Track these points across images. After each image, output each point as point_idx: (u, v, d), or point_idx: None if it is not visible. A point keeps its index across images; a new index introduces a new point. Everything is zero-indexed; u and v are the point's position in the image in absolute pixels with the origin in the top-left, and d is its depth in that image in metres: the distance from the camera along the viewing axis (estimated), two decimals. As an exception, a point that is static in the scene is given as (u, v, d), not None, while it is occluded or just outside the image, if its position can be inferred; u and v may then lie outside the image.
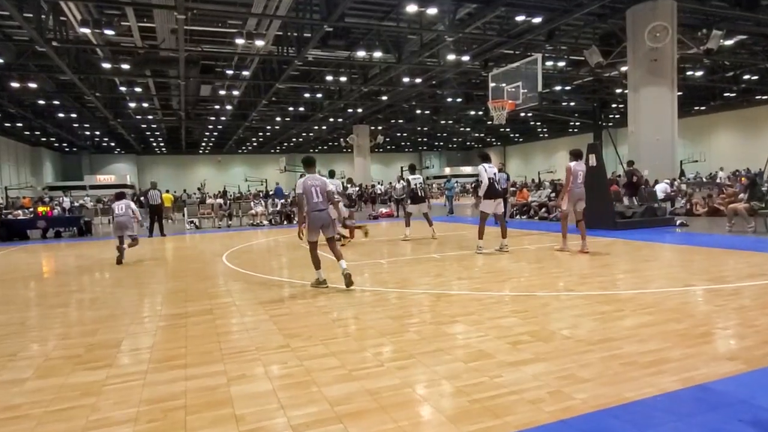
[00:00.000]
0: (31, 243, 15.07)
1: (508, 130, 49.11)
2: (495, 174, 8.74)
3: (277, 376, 3.19)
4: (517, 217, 16.52)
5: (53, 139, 44.25)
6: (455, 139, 58.40)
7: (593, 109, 35.09)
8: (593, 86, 30.25)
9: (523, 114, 33.73)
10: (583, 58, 20.94)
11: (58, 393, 3.05)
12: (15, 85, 23.25)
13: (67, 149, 51.62)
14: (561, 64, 23.94)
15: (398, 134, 50.35)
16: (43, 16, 15.43)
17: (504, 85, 12.23)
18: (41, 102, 28.70)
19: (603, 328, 3.99)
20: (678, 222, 12.12)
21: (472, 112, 37.25)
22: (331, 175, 11.95)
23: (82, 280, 7.69)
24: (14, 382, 3.28)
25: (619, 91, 29.03)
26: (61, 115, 32.66)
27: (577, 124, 43.64)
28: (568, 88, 29.54)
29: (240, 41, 17.19)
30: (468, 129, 47.62)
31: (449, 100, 32.00)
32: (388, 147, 59.22)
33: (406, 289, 5.84)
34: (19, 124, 35.22)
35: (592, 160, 11.77)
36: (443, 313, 4.65)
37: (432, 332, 4.05)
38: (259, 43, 17.32)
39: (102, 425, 2.60)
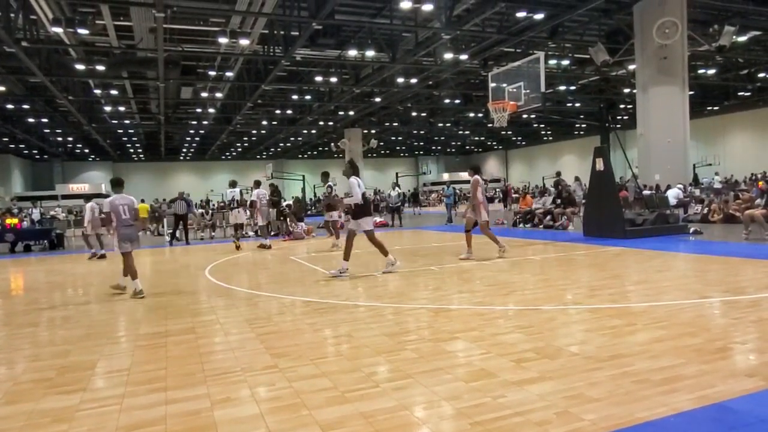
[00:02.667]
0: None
1: (509, 133, 49.42)
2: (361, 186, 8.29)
3: (265, 399, 3.18)
4: (520, 225, 16.59)
5: (22, 145, 43.99)
6: (453, 143, 58.69)
7: (600, 110, 35.43)
8: (599, 86, 30.56)
9: (525, 116, 33.83)
10: (588, 57, 21.20)
11: (27, 420, 3.02)
12: (-19, 88, 23.19)
13: (37, 156, 51.36)
14: (565, 62, 24.19)
15: (393, 138, 50.53)
16: (11, 15, 15.44)
17: (505, 85, 12.35)
18: (9, 106, 28.60)
19: (613, 343, 4.01)
20: (691, 229, 12.21)
21: (472, 114, 37.49)
22: (257, 185, 14.61)
23: (54, 297, 7.64)
24: (-21, 408, 3.25)
25: (627, 90, 29.35)
26: (30, 120, 32.58)
27: (583, 126, 44.03)
28: (572, 88, 29.82)
29: (223, 40, 17.25)
30: (467, 132, 47.89)
31: (447, 101, 32.21)
32: (383, 152, 59.42)
33: (403, 304, 5.84)
34: (-14, 130, 35.06)
35: (600, 165, 11.87)
36: (442, 330, 4.65)
37: (431, 350, 4.05)
38: (244, 42, 17.40)
39: (75, 454, 2.58)
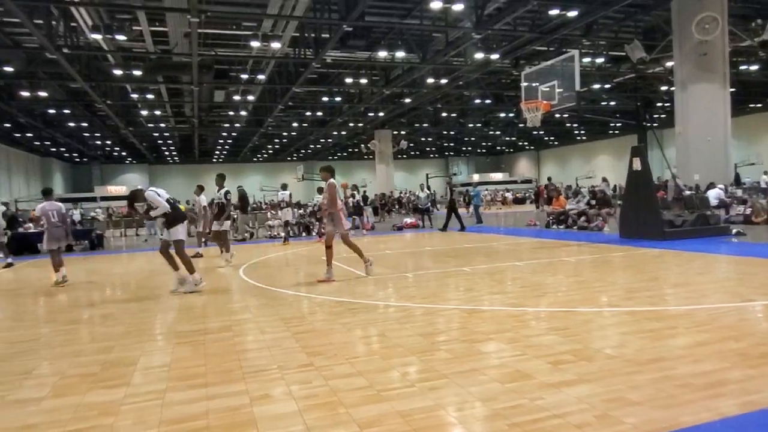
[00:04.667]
0: (41, 257, 15.54)
1: (542, 133, 48.73)
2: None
3: (302, 397, 3.23)
4: (554, 226, 16.35)
5: (63, 149, 45.75)
6: (484, 144, 58.26)
7: (636, 108, 34.60)
8: (635, 84, 29.86)
9: (558, 115, 33.35)
10: (624, 54, 20.75)
11: (75, 412, 3.15)
12: (25, 94, 24.18)
13: (77, 160, 53.29)
14: (600, 60, 23.73)
15: (423, 139, 50.46)
16: (53, 23, 16.07)
17: (538, 84, 12.20)
18: (51, 111, 29.73)
19: (653, 347, 3.93)
20: (734, 231, 11.83)
21: (502, 114, 37.16)
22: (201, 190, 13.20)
23: (94, 295, 7.91)
24: (31, 401, 3.40)
25: (664, 88, 28.56)
26: (71, 124, 33.79)
27: (618, 125, 43.09)
28: (607, 86, 29.22)
29: (255, 44, 17.59)
30: (498, 132, 47.46)
31: (477, 101, 31.99)
32: (412, 153, 59.42)
33: (435, 305, 5.84)
34: (29, 135, 36.54)
35: (637, 164, 11.62)
36: (476, 331, 4.64)
37: (465, 351, 4.05)
38: (275, 45, 17.68)
39: (122, 446, 2.68)
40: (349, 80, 25.08)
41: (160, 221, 7.85)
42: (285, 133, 42.60)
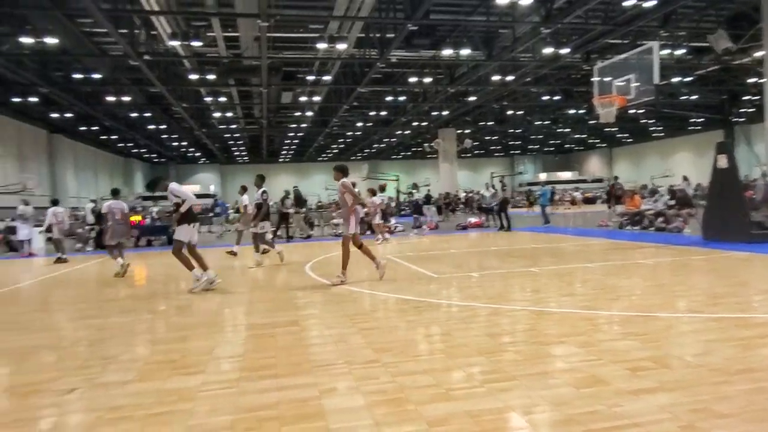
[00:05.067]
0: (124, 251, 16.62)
1: (615, 129, 46.62)
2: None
3: (370, 392, 3.26)
4: (628, 227, 15.60)
5: (144, 150, 48.75)
6: (552, 142, 56.47)
7: (721, 102, 32.38)
8: (719, 76, 27.94)
9: (633, 111, 31.89)
10: (706, 45, 19.47)
11: (157, 397, 3.34)
12: (110, 99, 25.95)
13: (155, 160, 56.61)
14: (679, 52, 22.36)
15: (488, 138, 49.64)
16: (136, 31, 17.13)
17: (612, 78, 11.66)
18: (133, 114, 31.71)
19: (744, 356, 3.65)
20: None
21: (572, 111, 35.89)
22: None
23: (170, 288, 8.35)
24: (117, 383, 3.63)
25: (752, 80, 26.54)
26: (151, 126, 35.90)
27: (700, 120, 40.48)
28: (688, 79, 27.49)
29: (322, 45, 17.93)
30: (567, 130, 45.89)
31: (545, 98, 31.07)
32: (477, 152, 58.59)
33: (502, 305, 5.72)
34: (114, 137, 39.20)
35: (723, 162, 10.89)
36: (546, 333, 4.50)
37: (534, 353, 3.94)
38: (341, 46, 17.94)
39: (200, 431, 2.81)
40: (413, 79, 25.05)
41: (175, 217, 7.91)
42: (349, 133, 43.22)
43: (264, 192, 11.04)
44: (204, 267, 7.63)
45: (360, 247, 7.85)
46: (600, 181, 52.41)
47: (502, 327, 4.81)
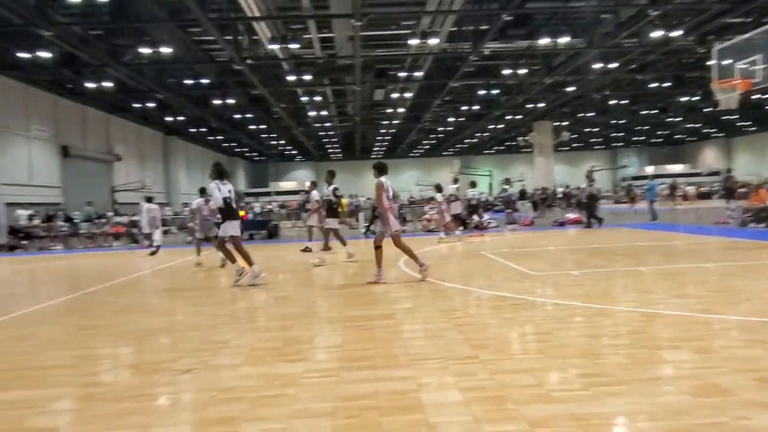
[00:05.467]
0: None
1: (735, 117, 42.40)
2: (230, 191, 8.01)
3: (467, 388, 3.22)
4: (751, 225, 14.14)
5: (246, 149, 51.76)
6: (660, 132, 52.43)
7: None
8: None
9: (756, 96, 28.77)
10: None
11: (265, 381, 3.53)
12: (216, 102, 27.81)
13: (256, 158, 59.94)
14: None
15: (587, 130, 47.22)
16: (239, 37, 18.21)
17: (733, 61, 10.59)
18: (236, 116, 33.77)
19: None
20: None
21: (684, 98, 33.13)
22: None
23: (270, 279, 8.78)
24: (229, 366, 3.89)
25: None
26: (252, 127, 38.06)
27: (840, 104, 35.66)
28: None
29: (414, 41, 17.99)
30: (678, 119, 42.46)
31: (653, 85, 28.94)
32: (575, 145, 55.95)
33: (606, 305, 5.41)
34: (220, 137, 42.01)
35: None
36: (658, 336, 4.19)
37: (646, 357, 3.68)
38: (433, 41, 17.89)
39: (304, 415, 2.93)
40: (507, 71, 24.37)
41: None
42: (441, 128, 43.03)
43: (336, 188, 10.80)
44: (250, 262, 7.85)
45: (377, 248, 7.64)
46: (717, 174, 47.99)
47: (607, 328, 4.55)
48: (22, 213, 20.44)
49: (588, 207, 17.42)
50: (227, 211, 7.95)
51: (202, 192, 11.46)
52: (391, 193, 7.65)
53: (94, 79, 22.05)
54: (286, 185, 53.46)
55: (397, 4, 17.66)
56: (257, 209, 23.24)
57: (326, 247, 11.13)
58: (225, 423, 2.87)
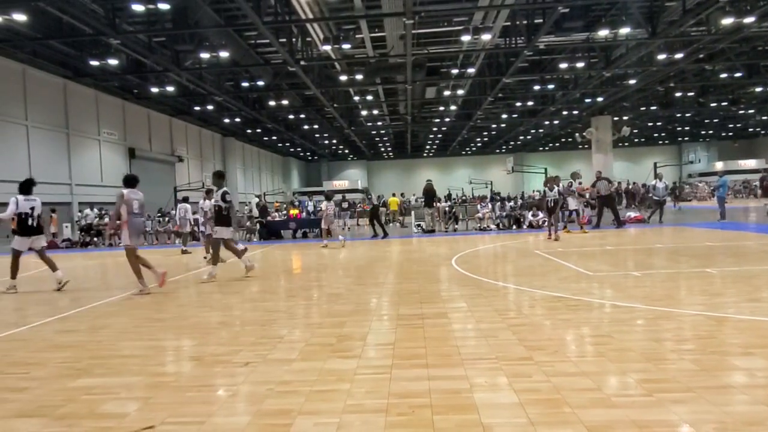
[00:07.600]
0: (284, 242, 18.28)
1: (814, 108, 39.48)
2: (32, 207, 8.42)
3: (523, 390, 3.16)
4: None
5: (299, 149, 52.84)
6: (731, 126, 49.54)
7: None
8: None
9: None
10: None
11: (319, 376, 3.60)
12: (271, 103, 28.53)
13: (309, 158, 61.06)
14: None
15: (649, 124, 45.24)
16: (294, 40, 18.59)
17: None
18: (290, 116, 34.53)
19: None
20: None
21: (758, 89, 31.14)
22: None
23: (326, 276, 8.93)
24: (285, 361, 3.99)
25: None
26: (305, 127, 38.81)
27: None
28: None
29: (466, 38, 17.79)
30: (751, 111, 39.96)
31: (723, 76, 27.35)
32: (636, 140, 53.78)
33: (671, 308, 5.17)
34: (274, 138, 43.08)
35: None
36: (729, 342, 3.97)
37: (715, 364, 3.50)
38: (486, 37, 17.63)
39: (358, 410, 2.97)
40: (563, 65, 23.68)
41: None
42: (494, 125, 42.38)
43: (225, 192, 9.21)
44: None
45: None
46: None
47: (672, 332, 4.35)
48: (89, 213, 21.67)
49: (607, 206, 16.95)
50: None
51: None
52: (135, 207, 7.84)
53: (157, 84, 23.17)
54: (338, 184, 54.20)
55: (448, 1, 17.52)
56: (310, 208, 23.66)
57: (215, 260, 9.37)
58: (281, 415, 2.95)
